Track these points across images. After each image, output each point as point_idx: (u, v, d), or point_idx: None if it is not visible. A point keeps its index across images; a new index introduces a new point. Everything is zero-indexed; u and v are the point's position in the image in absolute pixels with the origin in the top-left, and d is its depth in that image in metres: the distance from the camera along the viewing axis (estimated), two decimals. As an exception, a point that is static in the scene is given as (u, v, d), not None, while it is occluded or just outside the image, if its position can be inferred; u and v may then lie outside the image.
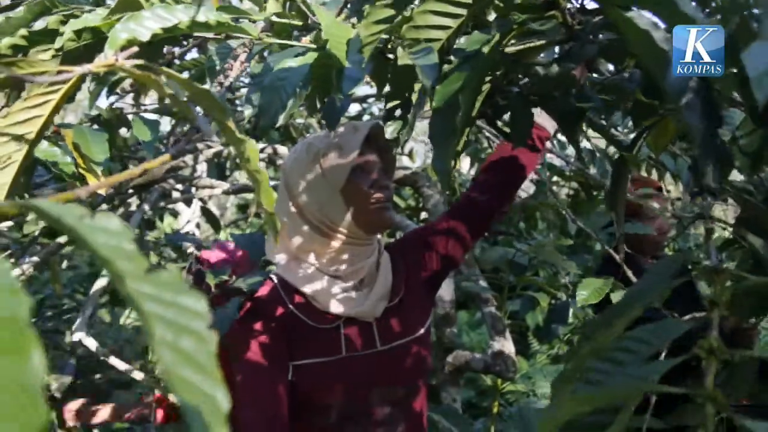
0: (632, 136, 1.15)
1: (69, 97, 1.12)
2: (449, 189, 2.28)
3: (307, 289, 1.24)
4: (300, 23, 0.86)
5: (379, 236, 1.35)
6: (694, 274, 1.88)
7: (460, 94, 0.71)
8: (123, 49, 0.58)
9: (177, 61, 1.74)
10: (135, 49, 0.56)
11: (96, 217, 0.35)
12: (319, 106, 0.99)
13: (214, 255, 1.82)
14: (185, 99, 0.51)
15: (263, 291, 1.27)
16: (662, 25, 0.59)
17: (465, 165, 2.97)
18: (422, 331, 1.32)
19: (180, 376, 0.30)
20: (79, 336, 1.77)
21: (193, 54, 1.87)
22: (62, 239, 1.76)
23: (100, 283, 1.76)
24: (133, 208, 2.26)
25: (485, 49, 0.71)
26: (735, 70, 0.68)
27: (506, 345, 2.07)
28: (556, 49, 0.97)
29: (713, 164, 0.69)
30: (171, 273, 0.33)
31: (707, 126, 0.64)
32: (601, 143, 2.83)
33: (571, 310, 2.01)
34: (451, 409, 2.01)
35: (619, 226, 1.18)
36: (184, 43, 1.38)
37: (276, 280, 1.27)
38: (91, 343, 1.76)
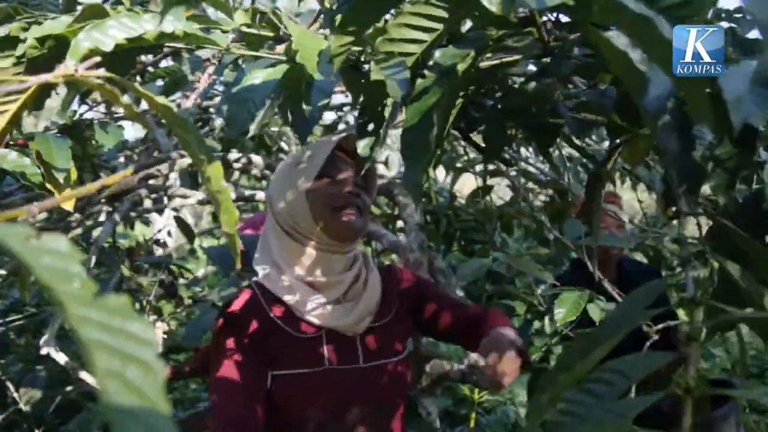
0: (606, 144, 1.16)
1: (37, 105, 1.10)
2: (422, 201, 2.29)
3: (287, 298, 1.24)
4: (271, 34, 0.85)
5: (362, 251, 1.36)
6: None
7: (434, 111, 0.70)
8: (86, 59, 0.56)
9: (151, 69, 1.72)
10: (97, 58, 0.55)
11: (43, 237, 0.33)
12: (290, 117, 0.98)
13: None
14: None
15: (242, 299, 1.28)
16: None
17: (441, 173, 2.96)
18: (405, 353, 1.33)
19: (126, 409, 0.28)
20: (47, 350, 1.73)
21: (167, 62, 1.86)
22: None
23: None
24: (103, 217, 2.22)
25: (460, 66, 0.71)
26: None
27: (483, 354, 2.06)
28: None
29: (686, 187, 0.69)
30: (119, 298, 0.32)
31: (681, 148, 0.64)
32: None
33: (547, 320, 2.01)
34: (429, 426, 2.00)
35: (594, 239, 1.19)
36: (162, 50, 1.36)
37: (256, 289, 1.28)
38: (61, 358, 1.72)
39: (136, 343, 0.31)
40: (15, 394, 2.15)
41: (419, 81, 0.73)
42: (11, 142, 1.31)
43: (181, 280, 2.08)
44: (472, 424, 2.14)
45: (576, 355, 0.55)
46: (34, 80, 0.49)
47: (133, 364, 0.30)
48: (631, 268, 2.44)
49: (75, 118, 1.71)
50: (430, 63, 0.75)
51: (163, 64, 1.80)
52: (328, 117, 3.10)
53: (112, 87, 0.50)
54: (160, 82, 1.94)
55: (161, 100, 0.52)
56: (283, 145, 3.01)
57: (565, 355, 0.56)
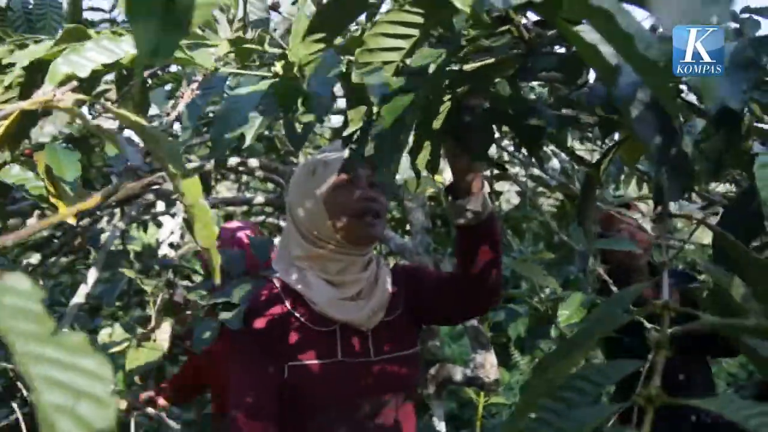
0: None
1: (44, 113, 1.11)
2: (396, 200, 2.29)
3: (306, 292, 1.29)
4: (259, 47, 0.86)
5: (374, 252, 1.41)
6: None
7: (406, 113, 0.71)
8: (63, 84, 0.57)
9: (160, 72, 1.74)
10: (74, 83, 0.56)
11: (5, 276, 0.34)
12: (285, 126, 0.99)
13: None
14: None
15: (263, 292, 1.34)
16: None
17: (448, 177, 2.96)
18: (413, 350, 1.38)
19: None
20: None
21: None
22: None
23: (78, 299, 1.75)
24: (114, 221, 2.25)
25: (432, 68, 0.71)
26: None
27: (488, 358, 2.06)
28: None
29: (670, 178, 0.68)
30: (77, 335, 0.33)
31: (662, 140, 0.63)
32: (586, 155, 2.83)
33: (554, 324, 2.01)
34: (434, 429, 2.01)
35: (588, 242, 1.19)
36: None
37: (276, 283, 1.33)
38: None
39: (89, 379, 0.32)
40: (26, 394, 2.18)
41: (394, 81, 0.74)
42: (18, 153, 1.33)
43: (186, 282, 2.10)
44: (477, 428, 2.15)
45: (555, 358, 0.55)
46: (11, 108, 0.50)
47: (85, 400, 0.31)
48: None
49: (82, 128, 1.73)
50: (406, 66, 0.75)
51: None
52: (336, 120, 3.10)
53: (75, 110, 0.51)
54: (168, 87, 1.97)
55: (133, 117, 0.52)
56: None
57: (542, 361, 0.56)
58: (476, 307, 1.41)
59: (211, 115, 2.39)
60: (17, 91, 0.74)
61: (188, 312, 1.67)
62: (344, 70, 0.82)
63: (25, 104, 0.51)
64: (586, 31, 0.58)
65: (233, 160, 2.14)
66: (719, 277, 0.64)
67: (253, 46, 0.86)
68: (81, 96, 0.53)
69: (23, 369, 0.30)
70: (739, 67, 0.64)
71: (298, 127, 1.02)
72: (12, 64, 0.66)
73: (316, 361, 1.26)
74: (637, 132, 0.62)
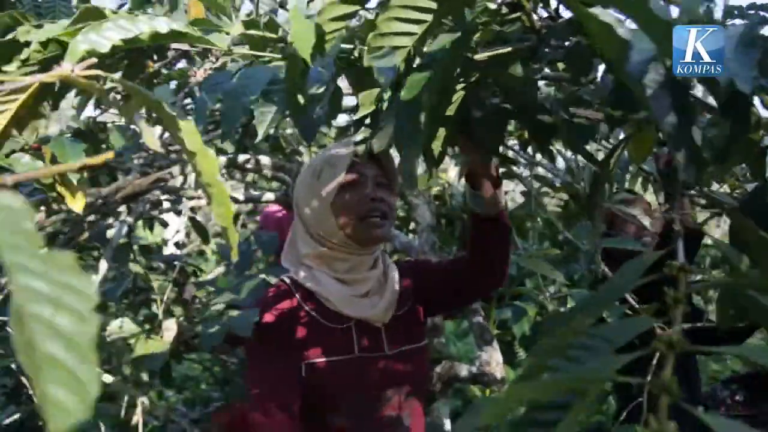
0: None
1: (53, 106, 1.12)
2: (402, 198, 2.29)
3: (319, 290, 1.31)
4: (274, 36, 0.87)
5: (380, 249, 1.42)
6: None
7: (423, 94, 0.71)
8: (83, 60, 0.58)
9: (165, 70, 1.75)
10: (93, 60, 0.56)
11: None
12: (293, 112, 0.99)
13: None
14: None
15: (277, 291, 1.34)
16: (630, 23, 0.59)
17: (452, 174, 2.96)
18: (423, 343, 1.41)
19: (48, 353, 0.28)
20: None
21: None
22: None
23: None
24: (122, 218, 2.25)
25: (449, 49, 0.72)
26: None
27: (494, 355, 2.06)
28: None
29: (687, 157, 0.68)
30: (66, 255, 0.32)
31: (679, 119, 0.63)
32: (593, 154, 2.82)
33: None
34: (439, 428, 2.02)
35: (595, 236, 1.19)
36: (170, 53, 1.39)
37: (289, 282, 1.34)
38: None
39: (73, 295, 0.31)
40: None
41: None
42: (26, 147, 1.35)
43: (192, 279, 2.10)
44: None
45: (560, 323, 0.55)
46: (30, 80, 0.51)
47: (65, 313, 0.30)
48: None
49: (89, 122, 1.75)
50: (424, 51, 0.75)
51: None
52: (342, 119, 3.11)
53: (101, 86, 0.51)
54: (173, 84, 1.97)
55: (151, 95, 0.53)
56: (300, 148, 3.02)
57: (549, 323, 0.56)
58: (483, 290, 1.51)
59: (218, 114, 2.40)
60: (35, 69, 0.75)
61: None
62: (356, 55, 0.82)
63: (44, 77, 0.51)
64: (602, 13, 0.59)
65: (243, 157, 2.15)
66: (731, 255, 0.65)
67: (266, 34, 0.86)
68: (100, 72, 0.53)
69: (9, 279, 0.30)
70: (747, 46, 0.64)
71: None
72: (29, 43, 0.66)
73: (333, 358, 1.28)
74: (653, 111, 0.62)
